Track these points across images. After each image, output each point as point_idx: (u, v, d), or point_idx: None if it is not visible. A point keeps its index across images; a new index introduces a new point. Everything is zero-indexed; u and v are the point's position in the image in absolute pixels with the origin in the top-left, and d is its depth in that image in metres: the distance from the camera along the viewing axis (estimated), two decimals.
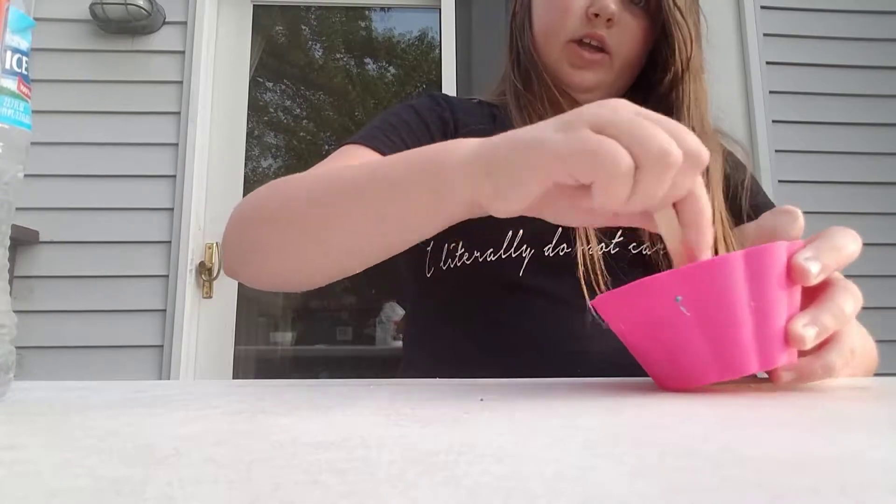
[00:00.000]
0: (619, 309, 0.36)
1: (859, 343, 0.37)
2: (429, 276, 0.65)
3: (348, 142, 0.62)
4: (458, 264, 0.63)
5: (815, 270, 0.33)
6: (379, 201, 0.43)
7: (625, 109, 0.32)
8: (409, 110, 0.67)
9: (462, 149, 0.39)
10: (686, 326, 0.33)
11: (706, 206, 0.34)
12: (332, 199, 0.46)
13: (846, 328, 0.36)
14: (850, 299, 0.35)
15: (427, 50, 2.64)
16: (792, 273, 0.33)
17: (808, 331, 0.33)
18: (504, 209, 0.36)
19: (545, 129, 0.34)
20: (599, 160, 0.30)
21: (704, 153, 0.32)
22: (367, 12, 2.63)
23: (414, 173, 0.41)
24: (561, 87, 0.69)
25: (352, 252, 0.47)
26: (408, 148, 0.55)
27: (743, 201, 0.70)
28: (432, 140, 0.64)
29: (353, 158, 0.59)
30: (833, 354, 0.35)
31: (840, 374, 0.36)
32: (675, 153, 0.30)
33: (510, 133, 0.36)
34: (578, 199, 0.35)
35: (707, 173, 0.65)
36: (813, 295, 0.36)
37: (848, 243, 0.35)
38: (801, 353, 0.36)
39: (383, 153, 0.58)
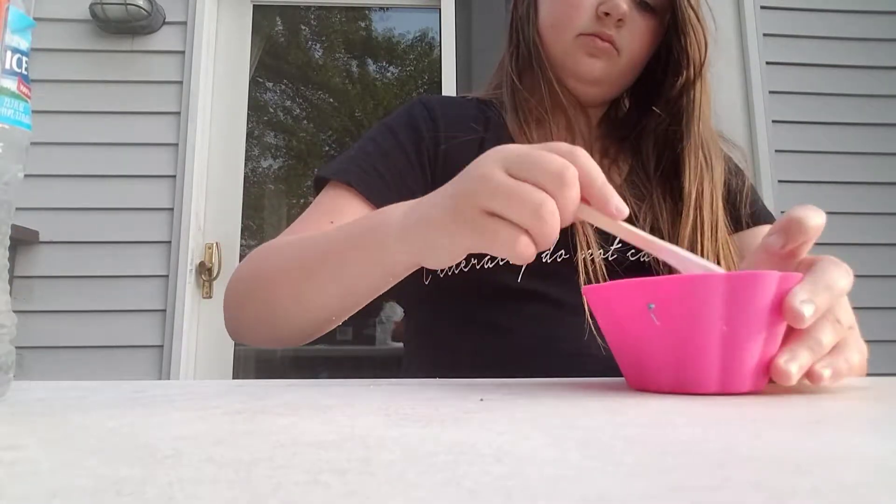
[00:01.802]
0: (600, 303, 0.37)
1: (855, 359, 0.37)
2: (427, 283, 0.65)
3: (328, 177, 0.63)
4: (456, 272, 0.62)
5: (808, 314, 0.32)
6: (335, 273, 0.50)
7: (500, 175, 0.35)
8: (385, 133, 0.67)
9: (396, 215, 0.44)
10: (653, 334, 0.33)
11: (590, 172, 0.36)
12: (296, 276, 0.53)
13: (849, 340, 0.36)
14: (828, 332, 0.35)
15: (427, 50, 2.65)
16: (785, 315, 0.33)
17: (791, 366, 0.33)
18: (437, 265, 0.42)
19: (444, 213, 0.38)
20: (496, 248, 0.36)
21: (570, 176, 0.34)
22: (366, 12, 2.63)
23: (361, 244, 0.48)
24: (563, 83, 0.68)
25: (323, 316, 0.54)
26: (383, 181, 0.62)
27: (743, 208, 0.70)
28: (407, 161, 0.65)
29: (332, 210, 0.62)
30: (849, 351, 0.35)
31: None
32: (549, 211, 0.34)
33: (425, 209, 0.41)
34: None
35: (713, 179, 0.65)
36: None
37: (840, 279, 0.35)
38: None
39: (360, 190, 0.61)
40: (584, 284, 0.59)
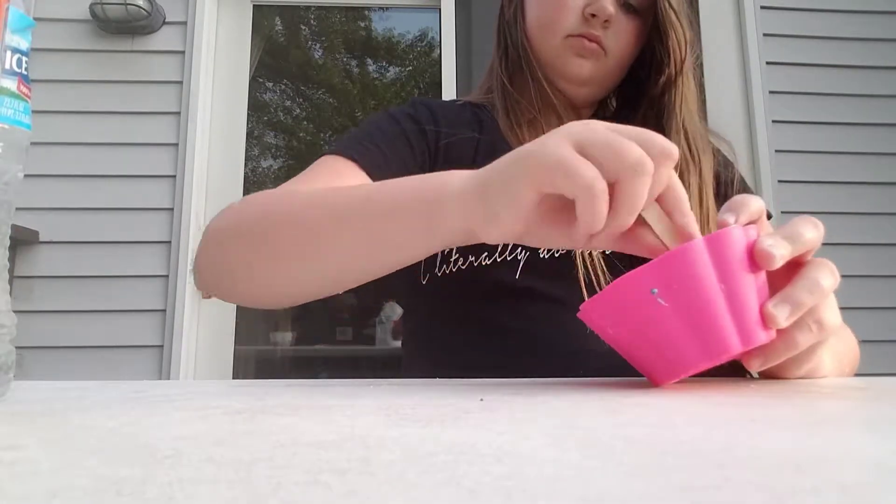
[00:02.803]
0: (601, 313, 0.37)
1: (833, 318, 0.38)
2: (424, 282, 0.65)
3: (327, 153, 0.62)
4: (454, 269, 0.62)
5: (777, 254, 0.35)
6: (372, 227, 0.44)
7: (599, 125, 0.36)
8: (388, 119, 0.67)
9: (457, 177, 0.41)
10: (666, 317, 0.34)
11: (682, 192, 0.37)
12: (320, 221, 0.46)
13: (821, 304, 0.38)
14: (825, 273, 0.37)
15: (427, 50, 2.65)
16: (756, 258, 0.35)
17: (779, 310, 0.35)
18: (495, 233, 0.39)
19: (532, 144, 0.37)
20: (578, 177, 0.34)
21: (674, 150, 0.35)
22: (366, 12, 2.63)
23: (410, 201, 0.43)
24: (553, 84, 0.69)
25: (336, 274, 0.48)
26: (385, 158, 0.59)
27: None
28: (410, 149, 0.64)
29: (333, 172, 0.59)
30: (794, 331, 0.37)
31: (806, 347, 0.38)
32: (648, 161, 0.34)
33: (492, 166, 0.39)
34: (562, 225, 0.38)
35: (700, 174, 0.66)
36: (789, 277, 0.37)
37: (807, 230, 0.37)
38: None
39: (361, 164, 0.59)
40: (584, 279, 0.59)
